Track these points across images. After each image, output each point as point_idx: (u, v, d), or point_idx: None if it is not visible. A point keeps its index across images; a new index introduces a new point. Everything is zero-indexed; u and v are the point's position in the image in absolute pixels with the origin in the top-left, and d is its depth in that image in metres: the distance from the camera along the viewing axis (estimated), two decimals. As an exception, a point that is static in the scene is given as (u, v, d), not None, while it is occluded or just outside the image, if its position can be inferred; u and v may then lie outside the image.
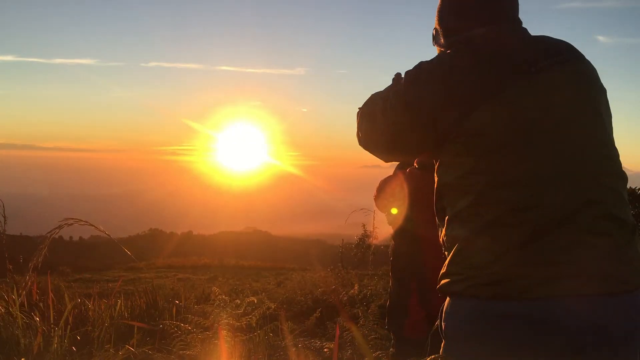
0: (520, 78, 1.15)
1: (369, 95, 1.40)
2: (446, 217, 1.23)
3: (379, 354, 2.91)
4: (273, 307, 4.24)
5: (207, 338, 2.60)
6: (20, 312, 2.31)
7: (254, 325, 2.99)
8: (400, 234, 2.01)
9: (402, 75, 1.31)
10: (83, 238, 50.03)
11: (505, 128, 1.13)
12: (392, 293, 2.08)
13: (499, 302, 1.09)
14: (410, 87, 1.22)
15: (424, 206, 1.77)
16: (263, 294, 5.99)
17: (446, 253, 1.22)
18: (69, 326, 2.37)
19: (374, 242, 10.78)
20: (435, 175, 1.27)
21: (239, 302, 3.40)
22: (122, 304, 3.19)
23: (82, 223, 2.30)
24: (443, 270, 1.21)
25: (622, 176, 1.19)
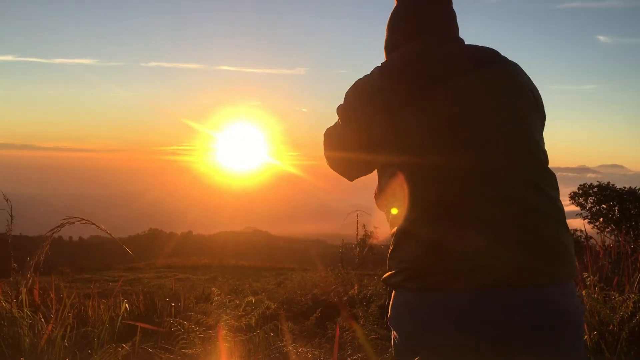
0: (439, 84, 1.24)
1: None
2: (388, 216, 1.33)
3: (385, 356, 2.91)
4: (273, 307, 4.24)
5: (208, 337, 2.60)
6: (23, 312, 2.31)
7: (254, 325, 2.99)
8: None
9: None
10: (83, 238, 50.02)
11: (424, 132, 1.21)
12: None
13: (427, 294, 1.16)
14: (344, 104, 1.36)
15: None
16: (263, 294, 5.98)
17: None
18: (69, 326, 2.38)
19: (375, 242, 10.78)
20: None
21: (238, 302, 3.40)
22: (122, 304, 3.19)
23: (85, 222, 2.30)
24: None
25: (543, 169, 1.24)
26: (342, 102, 1.39)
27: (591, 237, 4.82)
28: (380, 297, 5.06)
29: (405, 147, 1.23)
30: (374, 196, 2.18)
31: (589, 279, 3.27)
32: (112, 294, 3.28)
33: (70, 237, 47.67)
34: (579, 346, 1.18)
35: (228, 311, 3.04)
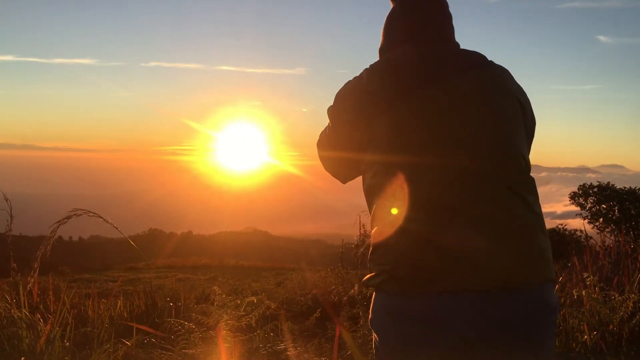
0: (428, 85, 1.25)
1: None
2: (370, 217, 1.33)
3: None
4: (273, 307, 4.24)
5: (208, 337, 2.60)
6: (22, 312, 2.31)
7: (254, 325, 2.99)
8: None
9: None
10: (83, 238, 50.00)
11: (405, 132, 1.22)
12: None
13: (401, 298, 1.16)
14: (334, 105, 1.37)
15: None
16: (263, 294, 5.98)
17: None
18: (68, 326, 2.38)
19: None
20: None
21: (239, 302, 3.39)
22: (122, 304, 3.19)
23: (91, 214, 2.29)
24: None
25: (520, 173, 1.24)
26: (332, 104, 1.40)
27: (591, 237, 4.83)
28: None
29: (392, 147, 1.24)
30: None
31: (589, 279, 3.26)
32: (111, 294, 3.28)
33: (70, 237, 47.65)
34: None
35: (228, 311, 3.04)
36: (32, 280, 2.38)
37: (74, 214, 2.28)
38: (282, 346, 2.78)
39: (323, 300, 5.30)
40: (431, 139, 1.21)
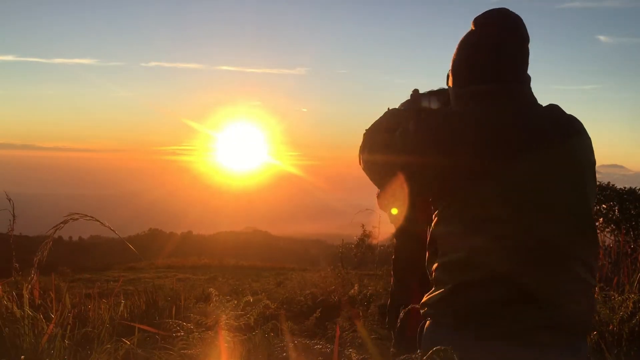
0: (517, 155, 1.25)
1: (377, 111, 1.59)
2: (435, 260, 1.34)
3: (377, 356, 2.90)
4: (273, 307, 4.24)
5: (208, 337, 2.60)
6: (24, 311, 2.32)
7: (253, 325, 2.99)
8: (402, 233, 2.01)
9: (418, 97, 1.57)
10: (83, 238, 50.00)
11: (497, 201, 1.23)
12: (393, 292, 2.08)
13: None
14: (416, 146, 1.32)
15: (428, 206, 1.77)
16: (263, 294, 5.98)
17: (434, 284, 1.35)
18: (69, 326, 2.38)
19: (375, 242, 10.77)
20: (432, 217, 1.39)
21: (237, 302, 3.39)
22: (122, 304, 3.19)
23: (88, 218, 2.30)
24: (426, 300, 1.34)
25: (592, 247, 1.29)
26: (409, 124, 1.36)
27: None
28: (380, 297, 5.06)
29: (475, 214, 1.25)
30: (377, 196, 2.19)
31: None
32: (112, 294, 3.28)
33: (70, 237, 47.64)
34: None
35: (227, 311, 3.04)
36: (34, 279, 2.39)
37: (70, 218, 2.28)
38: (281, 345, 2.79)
39: (323, 300, 5.30)
40: (519, 211, 1.23)
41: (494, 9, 1.38)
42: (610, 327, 2.88)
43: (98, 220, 2.34)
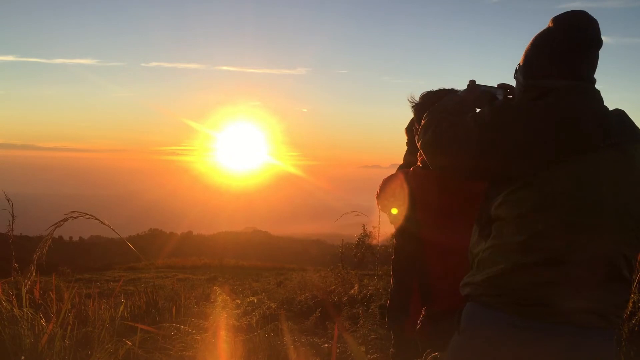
0: (590, 150, 1.31)
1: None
2: (488, 240, 1.39)
3: (377, 355, 2.90)
4: (273, 307, 4.24)
5: (207, 338, 2.60)
6: (24, 312, 2.32)
7: (254, 325, 2.99)
8: (402, 233, 2.00)
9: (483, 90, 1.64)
10: (83, 238, 50.00)
11: (569, 191, 1.29)
12: (392, 293, 2.08)
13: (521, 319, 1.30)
14: (492, 130, 1.37)
15: (428, 206, 1.77)
16: (263, 294, 5.98)
17: (476, 265, 1.41)
18: (69, 326, 2.38)
19: (375, 242, 10.78)
20: (485, 197, 1.43)
21: (239, 302, 3.40)
22: (123, 304, 3.19)
23: (88, 217, 2.30)
24: (470, 279, 1.40)
25: (636, 244, 1.37)
26: (485, 116, 1.39)
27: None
28: (380, 297, 5.06)
29: (544, 200, 1.30)
30: (376, 197, 2.19)
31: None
32: (112, 294, 3.28)
33: (71, 237, 47.65)
34: None
35: (228, 311, 3.04)
36: (34, 279, 2.39)
37: (70, 217, 2.28)
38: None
39: (323, 300, 5.30)
40: (585, 206, 1.29)
41: (575, 10, 1.46)
42: (610, 327, 2.88)
43: (98, 219, 2.34)
